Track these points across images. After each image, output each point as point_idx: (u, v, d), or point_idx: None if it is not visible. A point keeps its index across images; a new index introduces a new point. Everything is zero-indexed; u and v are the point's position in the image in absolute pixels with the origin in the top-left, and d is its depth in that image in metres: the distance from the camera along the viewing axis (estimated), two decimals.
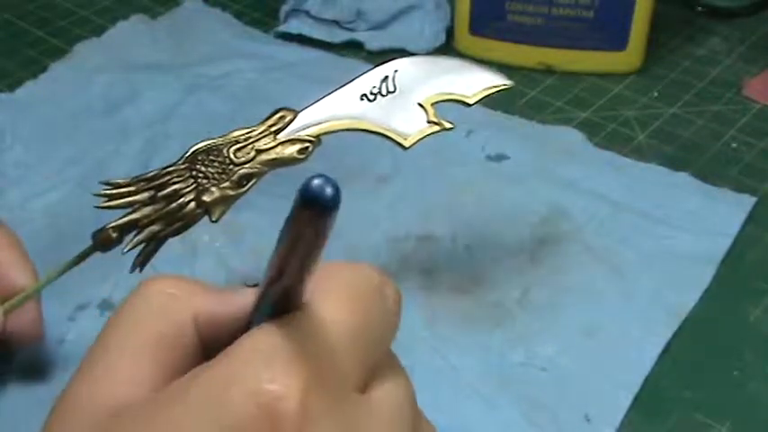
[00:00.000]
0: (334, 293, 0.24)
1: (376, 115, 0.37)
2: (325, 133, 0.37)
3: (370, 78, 0.38)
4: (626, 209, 0.51)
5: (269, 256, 0.22)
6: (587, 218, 0.50)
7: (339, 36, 0.66)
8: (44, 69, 0.63)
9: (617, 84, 0.62)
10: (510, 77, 0.62)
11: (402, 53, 0.65)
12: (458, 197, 0.52)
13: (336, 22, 0.66)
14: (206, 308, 0.25)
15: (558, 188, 0.52)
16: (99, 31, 0.68)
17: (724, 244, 0.48)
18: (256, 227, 0.49)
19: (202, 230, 0.49)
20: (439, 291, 0.46)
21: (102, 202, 0.38)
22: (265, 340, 0.22)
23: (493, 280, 0.47)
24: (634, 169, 0.54)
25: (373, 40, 0.65)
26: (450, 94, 0.38)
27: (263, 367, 0.21)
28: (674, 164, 0.54)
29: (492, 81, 0.39)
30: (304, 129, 0.37)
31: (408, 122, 0.37)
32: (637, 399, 0.41)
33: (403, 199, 0.52)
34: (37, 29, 0.69)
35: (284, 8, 0.67)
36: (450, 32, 0.65)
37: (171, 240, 0.48)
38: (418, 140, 0.37)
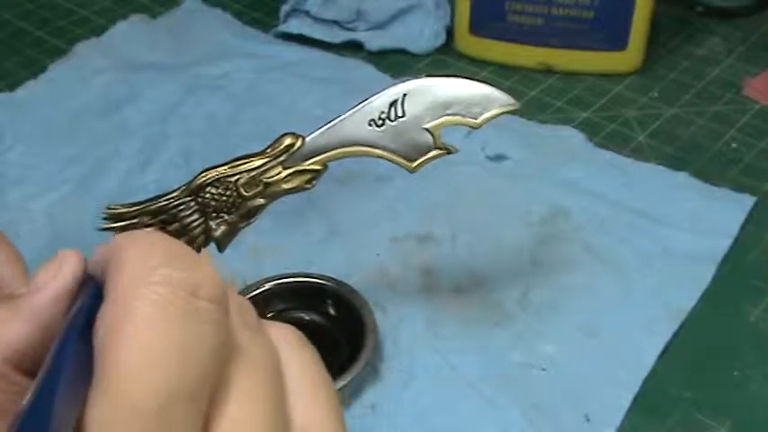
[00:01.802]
0: (133, 351, 0.18)
1: (384, 141, 0.38)
2: (333, 160, 0.38)
3: (379, 103, 0.38)
4: (626, 209, 0.51)
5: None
6: (587, 218, 0.50)
7: (339, 36, 0.66)
8: (44, 69, 0.63)
9: (617, 84, 0.62)
10: (510, 77, 0.63)
11: (402, 53, 0.65)
12: (458, 197, 0.52)
13: (336, 22, 0.66)
14: (13, 339, 0.22)
15: (558, 188, 0.52)
16: (99, 31, 0.68)
17: (724, 244, 0.48)
18: (256, 227, 0.49)
19: None
20: (439, 291, 0.46)
21: (105, 224, 0.38)
22: None
23: (493, 280, 0.47)
24: (634, 169, 0.54)
25: (373, 40, 0.65)
26: (457, 117, 0.38)
27: None
28: (674, 164, 0.54)
29: (499, 103, 0.39)
30: (311, 155, 0.37)
31: (415, 148, 0.38)
32: (637, 399, 0.41)
33: (403, 199, 0.52)
34: (37, 29, 0.69)
35: (284, 8, 0.67)
36: (450, 32, 0.65)
37: None
38: (424, 164, 0.38)
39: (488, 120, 0.38)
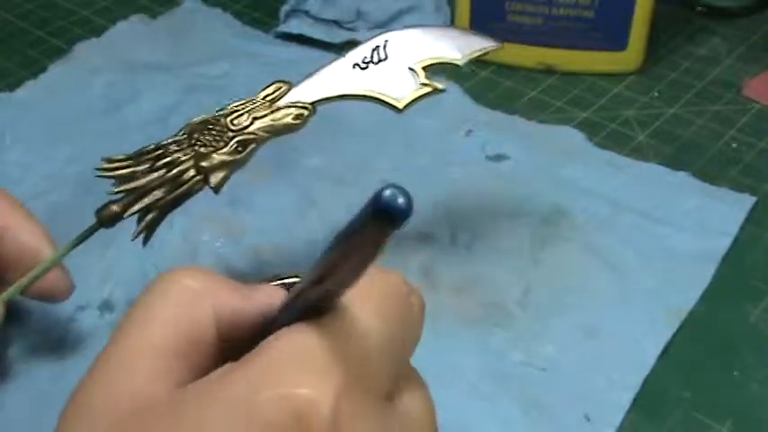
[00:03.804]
0: (366, 300, 0.23)
1: (369, 82, 0.38)
2: (320, 101, 0.38)
3: (361, 50, 0.39)
4: (626, 209, 0.51)
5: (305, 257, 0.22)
6: (587, 218, 0.50)
7: (339, 36, 0.66)
8: (44, 69, 0.63)
9: (617, 84, 0.62)
10: (510, 77, 0.63)
11: None
12: (458, 197, 0.52)
13: (336, 22, 0.66)
14: (227, 304, 0.24)
15: (558, 188, 0.52)
16: (99, 31, 0.68)
17: (724, 244, 0.48)
18: (256, 227, 0.49)
19: (202, 230, 0.49)
20: (439, 290, 0.46)
21: (101, 172, 0.39)
22: (299, 342, 0.21)
23: (493, 280, 0.47)
24: (634, 169, 0.54)
25: None
26: (440, 57, 0.39)
27: (297, 370, 0.20)
28: (674, 164, 0.54)
29: (481, 44, 0.40)
30: (298, 99, 0.38)
31: (401, 86, 0.38)
32: (637, 399, 0.41)
33: None
34: (37, 29, 0.69)
35: (284, 8, 0.67)
36: None
37: (171, 240, 0.48)
38: (412, 102, 0.38)
39: (471, 58, 0.39)
